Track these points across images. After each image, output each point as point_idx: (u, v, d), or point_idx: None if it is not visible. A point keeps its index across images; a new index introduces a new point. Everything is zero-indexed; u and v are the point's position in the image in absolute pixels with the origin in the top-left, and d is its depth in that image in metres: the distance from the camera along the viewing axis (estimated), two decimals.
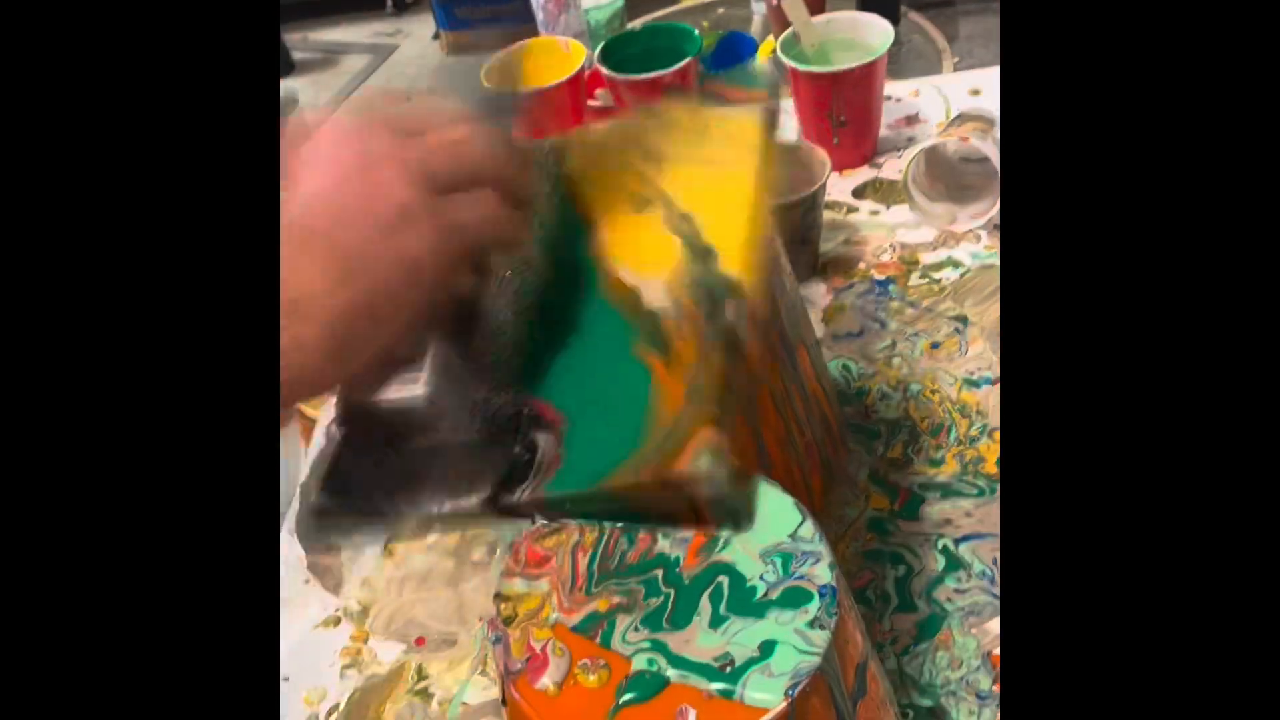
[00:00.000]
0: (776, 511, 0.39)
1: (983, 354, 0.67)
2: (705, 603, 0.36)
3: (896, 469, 0.62)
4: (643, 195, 0.45)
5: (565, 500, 0.36)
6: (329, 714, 0.57)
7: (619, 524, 0.39)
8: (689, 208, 0.43)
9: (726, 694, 0.34)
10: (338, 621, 0.61)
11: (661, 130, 0.49)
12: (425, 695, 0.57)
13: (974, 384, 0.66)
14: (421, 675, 0.58)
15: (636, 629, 0.36)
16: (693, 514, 0.35)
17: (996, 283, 0.72)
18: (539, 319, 0.43)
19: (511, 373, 0.40)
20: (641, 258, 0.42)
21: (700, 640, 0.35)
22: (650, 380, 0.36)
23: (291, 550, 0.66)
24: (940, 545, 0.57)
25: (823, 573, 0.37)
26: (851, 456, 0.63)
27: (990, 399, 0.64)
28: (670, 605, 0.36)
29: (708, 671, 0.34)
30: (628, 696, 0.34)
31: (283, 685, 0.59)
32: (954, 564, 0.56)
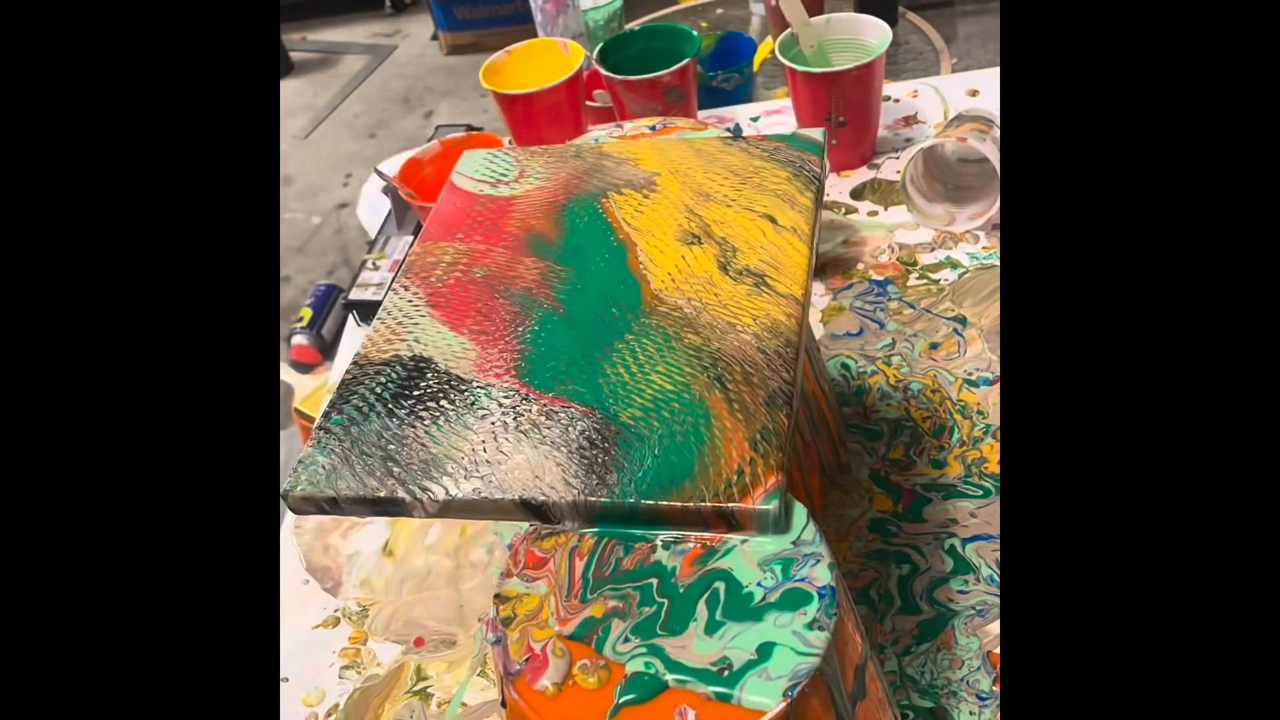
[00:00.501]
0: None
1: (981, 354, 0.67)
2: (702, 609, 0.36)
3: (899, 470, 0.62)
4: (692, 232, 0.48)
5: (613, 512, 0.38)
6: (328, 715, 0.57)
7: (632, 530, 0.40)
8: (745, 257, 0.48)
9: (724, 698, 0.34)
10: (337, 622, 0.61)
11: (706, 166, 0.52)
12: (424, 696, 0.57)
13: (973, 384, 0.66)
14: (421, 676, 0.58)
15: (628, 638, 0.36)
16: (728, 527, 0.38)
17: (995, 283, 0.72)
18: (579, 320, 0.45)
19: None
20: (691, 290, 0.47)
21: (696, 646, 0.35)
22: (707, 414, 0.41)
23: (290, 551, 0.66)
24: (947, 545, 0.57)
25: (822, 574, 0.37)
26: (852, 456, 0.63)
27: (990, 399, 0.64)
28: (665, 614, 0.36)
29: (705, 675, 0.34)
30: (627, 698, 0.34)
31: (281, 686, 0.59)
32: (962, 566, 0.56)
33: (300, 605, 0.63)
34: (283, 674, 0.59)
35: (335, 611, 0.62)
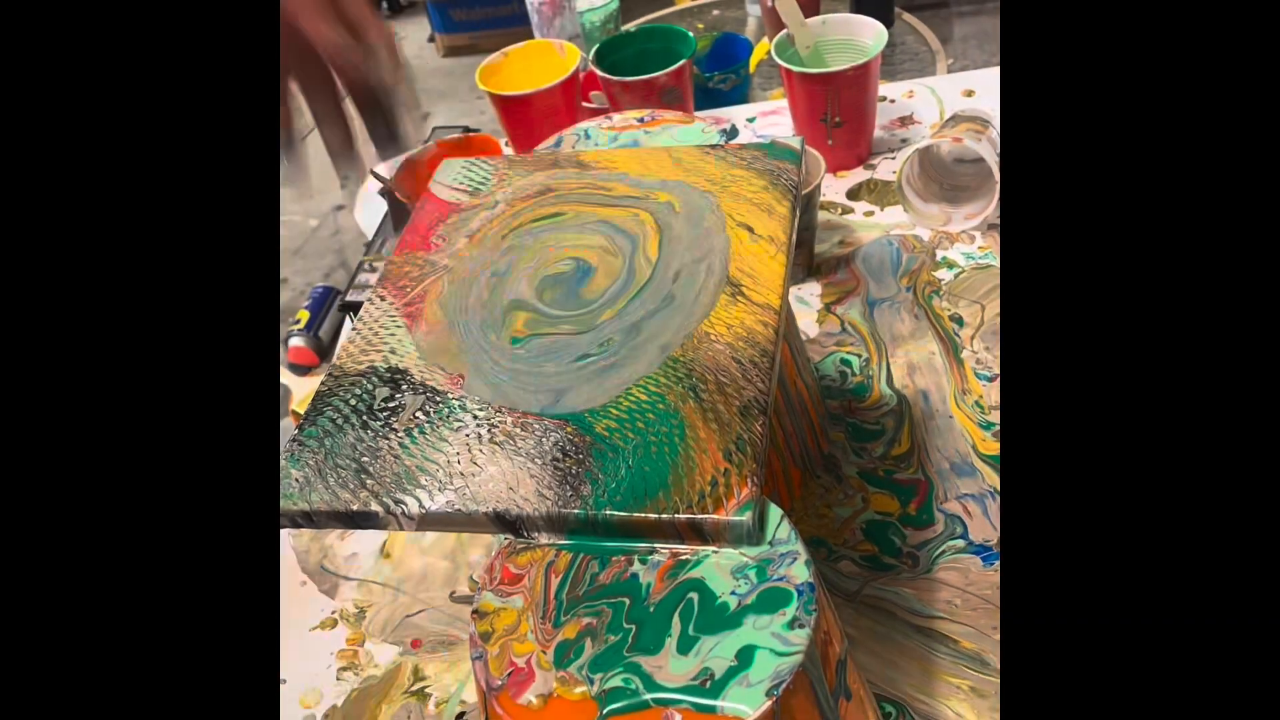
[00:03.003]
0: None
1: (978, 354, 0.67)
2: (676, 624, 0.36)
3: (903, 468, 0.62)
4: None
5: (586, 524, 0.37)
6: (325, 716, 0.57)
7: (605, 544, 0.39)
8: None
9: (709, 709, 0.33)
10: (334, 624, 0.61)
11: (684, 175, 0.52)
12: (422, 696, 0.57)
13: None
14: (418, 676, 0.58)
15: (606, 661, 0.36)
16: (701, 539, 0.37)
17: (991, 283, 0.72)
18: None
19: None
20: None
21: (673, 666, 0.35)
22: (681, 424, 0.41)
23: (288, 553, 0.66)
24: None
25: (800, 571, 0.37)
26: (835, 448, 0.63)
27: (990, 397, 0.64)
28: (633, 638, 0.36)
29: (687, 690, 0.34)
30: (613, 706, 0.34)
31: (279, 688, 0.59)
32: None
33: (298, 607, 0.63)
34: (280, 676, 0.59)
35: (333, 613, 0.62)
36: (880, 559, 0.57)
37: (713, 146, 0.55)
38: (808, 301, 0.74)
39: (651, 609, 0.37)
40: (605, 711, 0.34)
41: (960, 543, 0.57)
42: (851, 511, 0.60)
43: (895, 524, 0.59)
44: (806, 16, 0.83)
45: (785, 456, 0.59)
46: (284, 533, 0.67)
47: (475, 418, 0.43)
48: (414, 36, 2.83)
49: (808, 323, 0.72)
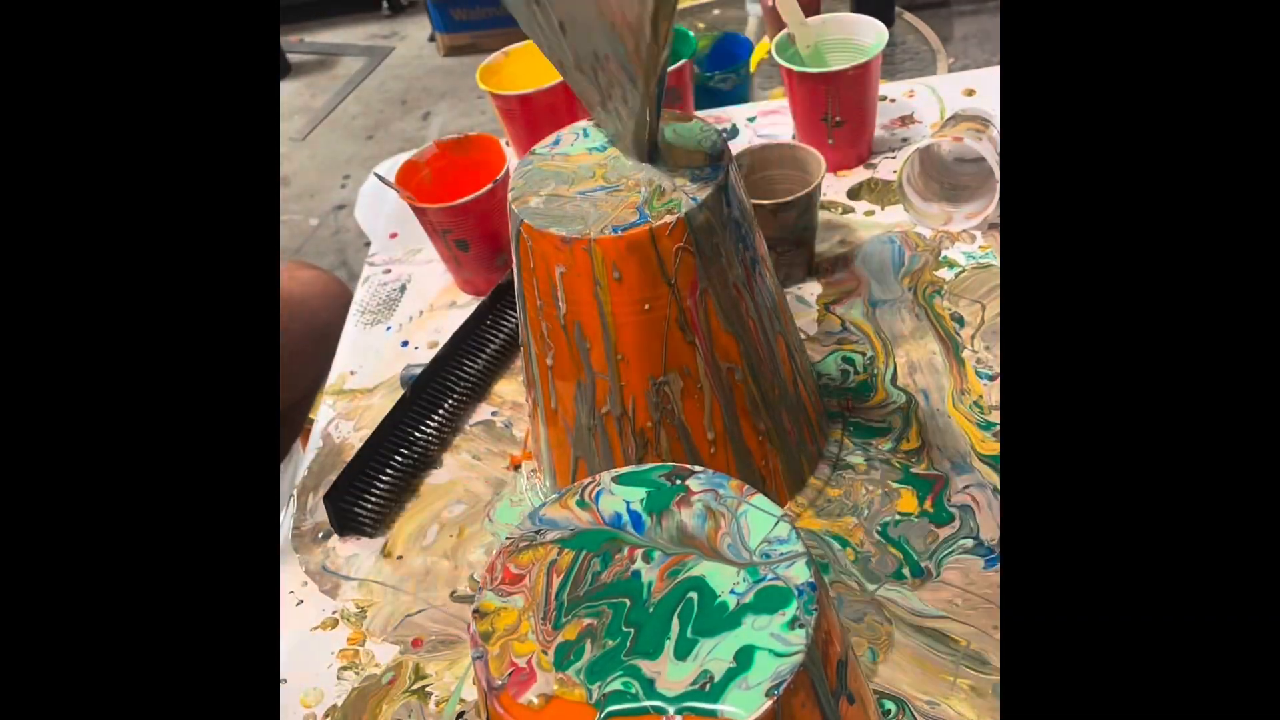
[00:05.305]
0: (758, 523, 0.39)
1: (978, 353, 0.67)
2: (675, 625, 0.36)
3: (916, 463, 0.62)
4: None
5: None
6: (326, 715, 0.57)
7: None
8: None
9: (709, 713, 0.33)
10: (335, 624, 0.61)
11: None
12: (423, 695, 0.57)
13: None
14: (419, 675, 0.58)
15: (605, 666, 0.35)
16: None
17: (991, 282, 0.72)
18: None
19: None
20: None
21: (670, 673, 0.35)
22: None
23: (288, 554, 0.66)
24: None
25: (800, 571, 0.36)
26: (830, 442, 0.63)
27: (990, 396, 0.64)
28: (634, 639, 0.36)
29: (687, 695, 0.34)
30: (613, 708, 0.34)
31: (280, 688, 0.59)
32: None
33: (298, 607, 0.63)
34: (281, 675, 0.59)
35: (333, 613, 0.62)
36: (900, 571, 0.57)
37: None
38: (808, 301, 0.74)
39: (651, 609, 0.36)
40: (604, 714, 0.34)
41: (969, 541, 0.57)
42: (870, 510, 0.60)
43: (915, 521, 0.59)
44: (807, 16, 0.83)
45: (784, 454, 0.59)
46: (284, 534, 0.67)
47: None
48: (415, 36, 2.83)
49: (807, 322, 0.72)
